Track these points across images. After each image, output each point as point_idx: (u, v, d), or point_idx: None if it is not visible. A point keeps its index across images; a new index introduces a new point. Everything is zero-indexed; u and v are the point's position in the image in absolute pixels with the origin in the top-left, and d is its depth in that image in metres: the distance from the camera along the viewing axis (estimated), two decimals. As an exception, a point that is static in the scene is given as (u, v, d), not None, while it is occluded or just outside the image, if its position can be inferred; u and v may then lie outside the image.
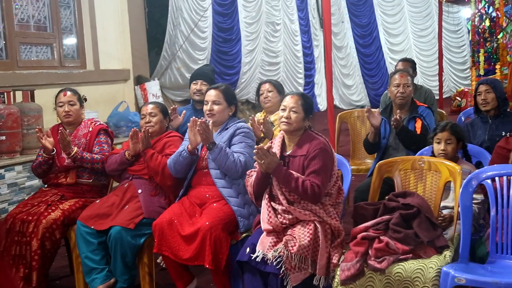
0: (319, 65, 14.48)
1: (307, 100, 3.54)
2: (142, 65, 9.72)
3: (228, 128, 3.92)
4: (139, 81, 9.52)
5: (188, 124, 3.84)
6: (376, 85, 15.17)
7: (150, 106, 4.24)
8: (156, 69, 10.76)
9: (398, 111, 4.68)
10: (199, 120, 3.69)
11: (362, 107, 14.37)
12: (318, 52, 14.51)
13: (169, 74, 10.85)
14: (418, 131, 4.56)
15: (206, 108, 3.93)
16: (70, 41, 8.31)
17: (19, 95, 6.72)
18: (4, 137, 6.24)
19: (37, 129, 4.25)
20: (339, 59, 14.72)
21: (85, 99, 4.47)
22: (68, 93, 4.35)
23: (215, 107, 3.91)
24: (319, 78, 14.47)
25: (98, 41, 8.59)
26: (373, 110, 4.62)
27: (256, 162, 3.44)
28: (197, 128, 3.68)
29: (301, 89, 13.66)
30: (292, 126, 3.48)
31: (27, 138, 6.33)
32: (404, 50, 15.82)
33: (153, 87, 9.61)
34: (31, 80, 7.16)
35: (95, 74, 8.47)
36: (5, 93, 6.39)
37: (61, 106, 4.33)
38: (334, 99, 14.08)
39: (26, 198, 4.43)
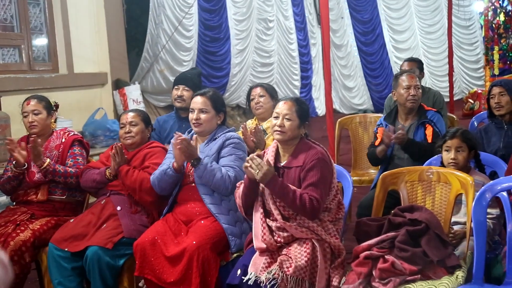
0: (317, 65, 14.52)
1: (302, 106, 3.55)
2: (121, 68, 9.72)
3: (216, 138, 3.92)
4: (118, 85, 9.52)
5: (172, 141, 3.84)
6: (380, 86, 15.21)
7: (131, 114, 4.24)
8: (136, 72, 10.77)
9: (400, 125, 4.67)
10: (179, 137, 3.68)
11: (365, 111, 14.46)
12: (316, 51, 14.56)
13: (151, 77, 10.86)
14: (429, 139, 4.56)
15: (192, 116, 3.93)
16: (40, 42, 8.30)
17: (-17, 103, 6.71)
18: (-33, 149, 6.23)
19: (7, 140, 4.21)
20: (338, 59, 14.76)
21: (56, 106, 4.44)
22: (32, 101, 4.31)
23: (202, 116, 3.92)
24: (317, 79, 14.50)
25: (72, 42, 8.58)
26: (389, 127, 4.65)
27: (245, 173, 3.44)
28: (178, 146, 3.68)
29: (297, 92, 13.70)
30: (286, 135, 3.49)
31: (-4, 149, 6.32)
32: (411, 48, 15.89)
33: (133, 92, 9.61)
34: (-4, 86, 7.15)
35: (68, 79, 8.46)
36: (-32, 101, 6.39)
37: (25, 116, 4.31)
38: (334, 102, 14.15)
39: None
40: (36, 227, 4.06)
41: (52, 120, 4.39)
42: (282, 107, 3.52)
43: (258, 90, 4.70)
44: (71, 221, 4.06)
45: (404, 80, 4.72)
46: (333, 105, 13.92)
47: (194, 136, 3.92)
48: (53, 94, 7.96)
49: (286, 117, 3.48)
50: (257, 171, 3.31)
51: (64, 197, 4.29)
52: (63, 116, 7.62)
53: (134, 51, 11.04)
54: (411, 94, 4.67)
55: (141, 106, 9.69)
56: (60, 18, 8.42)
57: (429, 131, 4.61)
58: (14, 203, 4.40)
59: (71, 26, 8.54)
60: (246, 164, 3.33)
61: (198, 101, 3.94)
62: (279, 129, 3.48)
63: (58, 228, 4.02)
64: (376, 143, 4.75)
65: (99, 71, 9.14)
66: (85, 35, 8.87)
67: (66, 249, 3.85)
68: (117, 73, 9.51)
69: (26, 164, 4.22)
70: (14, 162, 4.22)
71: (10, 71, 7.64)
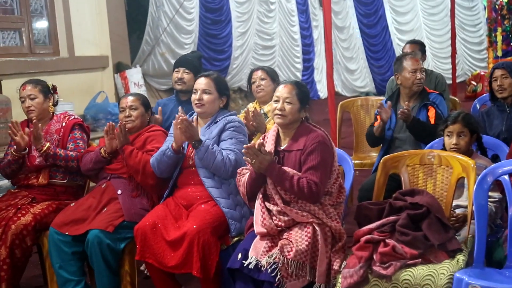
0: (319, 47, 14.45)
1: (302, 89, 3.53)
2: (122, 51, 9.69)
3: (217, 121, 3.91)
4: (119, 68, 9.50)
5: (173, 121, 3.83)
6: (383, 69, 15.16)
7: (130, 98, 4.22)
8: (137, 55, 10.74)
9: (406, 102, 4.67)
10: (180, 117, 3.68)
11: (367, 94, 14.43)
12: (318, 34, 14.49)
13: (152, 60, 10.84)
14: (432, 120, 4.57)
15: (194, 97, 3.92)
16: (40, 25, 8.27)
17: (-16, 86, 6.70)
18: (-32, 133, 6.23)
19: (10, 123, 4.19)
20: (341, 41, 14.70)
21: (54, 89, 4.40)
22: (28, 86, 4.28)
23: (205, 97, 3.90)
24: (319, 62, 14.45)
25: (72, 24, 8.54)
26: (388, 103, 4.64)
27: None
28: (179, 126, 3.67)
29: (299, 74, 13.67)
30: (287, 118, 3.47)
31: (-4, 133, 6.32)
32: (413, 29, 15.81)
33: (134, 75, 9.59)
34: (-3, 69, 7.13)
35: (69, 62, 8.44)
36: (-31, 84, 6.38)
37: (23, 102, 4.29)
38: (336, 85, 14.13)
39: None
40: (37, 211, 4.07)
41: (50, 104, 4.36)
42: (282, 91, 3.50)
43: (259, 73, 4.67)
44: (71, 205, 4.06)
45: (409, 64, 4.72)
46: (335, 87, 14.01)
47: (195, 118, 3.91)
48: (54, 78, 7.97)
49: (287, 100, 3.46)
50: (253, 160, 3.30)
51: (65, 181, 4.28)
52: (63, 99, 7.61)
53: (135, 34, 10.99)
54: (417, 77, 4.68)
55: (143, 89, 9.67)
56: (60, 1, 8.37)
57: (431, 112, 4.61)
58: (15, 187, 4.40)
59: (72, 8, 8.49)
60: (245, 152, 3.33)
61: (201, 82, 3.93)
62: (279, 112, 3.46)
63: (59, 212, 4.02)
64: (376, 124, 4.75)
65: (100, 54, 9.10)
66: (85, 18, 8.82)
67: (67, 233, 3.85)
68: (118, 56, 9.48)
69: (27, 148, 4.20)
70: (14, 146, 4.21)
71: (10, 54, 7.61)
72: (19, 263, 3.98)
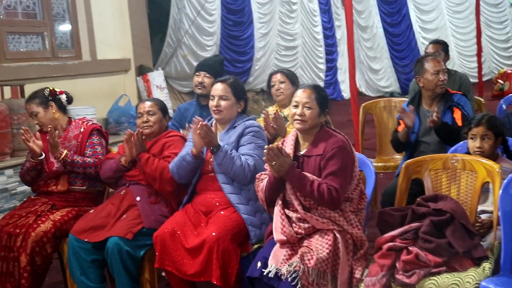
0: (342, 48, 14.36)
1: (321, 93, 3.48)
2: (144, 54, 9.72)
3: (236, 126, 3.88)
4: (141, 71, 9.53)
5: (192, 125, 3.80)
6: (407, 68, 14.99)
7: (148, 103, 4.20)
8: (160, 58, 10.77)
9: (435, 108, 4.53)
10: (200, 122, 3.66)
11: (392, 94, 14.31)
12: (341, 34, 14.38)
13: (174, 62, 10.87)
14: (459, 122, 4.46)
15: (212, 103, 3.89)
16: (63, 28, 8.32)
17: (7, 91, 6.75)
18: (-9, 138, 6.27)
19: (22, 130, 4.19)
20: (364, 41, 14.60)
21: (52, 93, 4.32)
22: (27, 106, 4.30)
23: (222, 103, 3.87)
24: (343, 62, 14.36)
25: (94, 28, 8.59)
26: (410, 107, 4.56)
27: (266, 165, 3.39)
28: (198, 131, 3.65)
29: (322, 75, 13.61)
30: (307, 124, 3.42)
31: (18, 139, 6.34)
32: (438, 28, 15.63)
33: (157, 78, 9.62)
34: (20, 73, 7.19)
35: (92, 65, 8.48)
36: (-9, 89, 6.42)
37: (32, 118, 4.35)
38: (360, 85, 14.04)
39: (18, 206, 4.40)
40: (57, 217, 4.06)
41: (53, 110, 4.30)
42: (301, 96, 3.44)
43: (278, 76, 4.64)
44: (90, 211, 4.05)
45: (431, 65, 4.60)
46: (359, 88, 13.92)
47: (214, 123, 3.88)
48: (76, 81, 8.03)
49: (306, 105, 3.41)
50: (273, 162, 3.25)
51: (84, 188, 4.27)
52: (85, 104, 7.66)
53: (158, 37, 11.03)
54: (440, 79, 4.56)
55: (165, 92, 9.69)
56: (82, 4, 8.43)
57: (457, 114, 4.51)
58: (35, 193, 4.40)
59: (94, 12, 8.54)
60: (265, 154, 3.27)
61: (218, 88, 3.90)
62: (299, 118, 3.41)
63: (78, 219, 4.01)
64: (399, 128, 4.66)
65: (122, 57, 9.13)
66: (107, 21, 8.86)
67: (86, 240, 3.84)
68: (140, 59, 9.51)
69: (43, 154, 4.20)
70: (31, 153, 4.22)
71: (33, 59, 7.66)
72: (39, 271, 3.97)
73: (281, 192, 3.44)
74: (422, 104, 4.68)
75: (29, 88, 6.65)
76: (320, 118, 3.45)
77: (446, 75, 4.63)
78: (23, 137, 4.15)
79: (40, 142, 4.17)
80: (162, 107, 4.22)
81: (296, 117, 3.42)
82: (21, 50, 7.64)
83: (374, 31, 14.87)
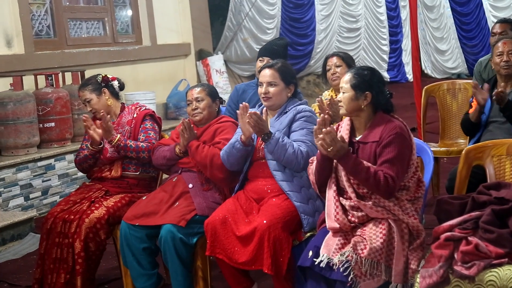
0: (407, 28, 14.03)
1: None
2: (204, 38, 9.75)
3: (287, 112, 3.79)
4: (201, 55, 9.56)
5: (238, 111, 3.73)
6: (476, 48, 14.59)
7: (196, 90, 4.14)
8: (220, 42, 10.76)
9: (502, 84, 4.46)
10: (248, 111, 3.60)
11: (459, 75, 13.92)
12: (406, 14, 14.08)
13: (234, 46, 10.85)
14: None
15: (260, 90, 3.82)
16: (123, 14, 8.41)
17: (68, 77, 6.88)
18: (53, 124, 6.42)
19: (83, 117, 4.23)
20: (430, 21, 14.25)
21: (105, 80, 4.35)
22: (81, 93, 4.33)
23: (271, 89, 3.79)
24: (408, 43, 14.06)
25: (155, 13, 8.66)
26: (485, 85, 4.46)
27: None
28: (247, 120, 3.59)
29: (385, 57, 13.40)
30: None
31: (79, 124, 6.48)
32: (510, 6, 15.07)
33: (216, 62, 9.63)
34: (81, 59, 7.32)
35: (152, 50, 8.56)
36: (53, 75, 6.55)
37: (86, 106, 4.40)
38: (426, 67, 13.73)
39: (72, 192, 4.46)
40: (110, 204, 4.09)
41: (107, 97, 4.32)
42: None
43: (334, 60, 4.53)
44: (143, 198, 4.06)
45: (497, 46, 4.52)
46: (425, 69, 13.58)
47: (264, 109, 3.80)
48: (136, 66, 8.13)
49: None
50: (331, 147, 3.15)
51: (137, 173, 4.28)
52: (145, 88, 7.72)
53: (218, 21, 11.03)
54: (503, 60, 4.45)
55: (225, 76, 9.69)
56: (142, -11, 8.50)
57: None
58: (90, 180, 4.44)
59: (154, -4, 8.60)
60: (319, 137, 3.17)
61: (266, 74, 3.82)
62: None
63: (131, 205, 4.03)
64: (470, 111, 4.56)
65: (182, 42, 9.18)
66: (168, 6, 8.91)
67: (138, 224, 3.85)
68: (200, 43, 9.55)
69: (102, 142, 4.23)
70: (90, 141, 4.25)
71: (94, 45, 7.79)
72: (93, 256, 4.02)
73: (331, 173, 3.35)
74: (496, 87, 4.55)
75: (90, 74, 6.72)
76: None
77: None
78: (85, 123, 4.18)
79: (100, 130, 4.19)
80: (210, 92, 4.16)
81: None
82: (83, 36, 7.77)
83: (441, 10, 14.50)
